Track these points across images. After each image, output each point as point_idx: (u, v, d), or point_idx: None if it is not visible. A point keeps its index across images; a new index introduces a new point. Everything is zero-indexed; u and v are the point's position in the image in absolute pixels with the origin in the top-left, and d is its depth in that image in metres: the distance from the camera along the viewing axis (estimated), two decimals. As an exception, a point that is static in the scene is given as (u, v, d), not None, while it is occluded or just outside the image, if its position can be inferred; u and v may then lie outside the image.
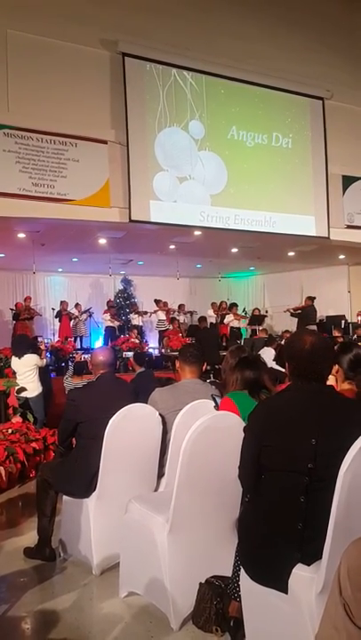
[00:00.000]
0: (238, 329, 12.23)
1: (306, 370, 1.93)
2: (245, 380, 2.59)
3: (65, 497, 2.93)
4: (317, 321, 11.76)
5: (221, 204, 8.32)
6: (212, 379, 5.58)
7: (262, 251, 10.92)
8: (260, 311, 12.82)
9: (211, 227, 8.31)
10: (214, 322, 12.95)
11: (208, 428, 2.31)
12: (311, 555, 1.77)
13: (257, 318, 12.12)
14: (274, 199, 8.62)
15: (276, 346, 8.96)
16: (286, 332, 10.37)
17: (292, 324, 13.21)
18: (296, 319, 12.37)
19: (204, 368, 3.13)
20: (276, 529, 1.82)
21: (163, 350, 10.74)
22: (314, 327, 11.27)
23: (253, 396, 2.56)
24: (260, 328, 12.03)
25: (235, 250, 10.97)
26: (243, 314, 12.35)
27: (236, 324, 12.18)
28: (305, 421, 1.85)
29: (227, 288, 16.06)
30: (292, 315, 12.35)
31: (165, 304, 13.44)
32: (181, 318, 13.61)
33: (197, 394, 2.92)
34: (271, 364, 8.43)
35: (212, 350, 8.58)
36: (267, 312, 15.20)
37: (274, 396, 2.12)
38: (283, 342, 9.97)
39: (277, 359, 8.17)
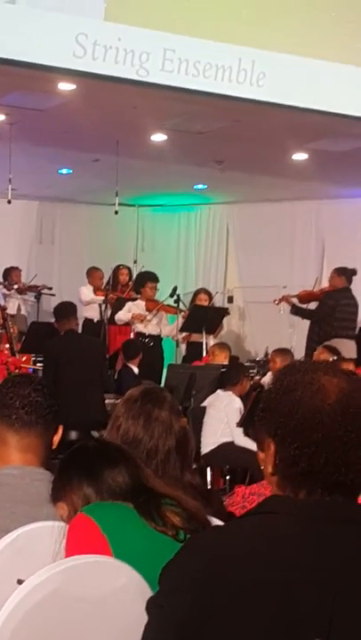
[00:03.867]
0: (156, 338, 12.59)
1: (320, 462, 1.98)
2: (109, 489, 2.76)
3: None
4: (358, 329, 12.38)
5: (132, 19, 8.37)
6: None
7: (230, 143, 11.18)
8: (211, 297, 13.29)
9: (103, 74, 8.35)
10: (98, 318, 13.10)
11: (56, 599, 2.42)
12: None
13: (204, 314, 12.40)
14: (268, 17, 8.85)
15: (249, 389, 9.18)
16: (279, 352, 10.72)
17: (293, 337, 13.66)
18: (305, 321, 12.75)
19: (56, 439, 3.24)
20: None
21: None
22: (350, 345, 11.89)
23: (147, 514, 2.69)
24: (213, 340, 12.33)
25: (159, 137, 11.23)
26: (170, 302, 12.59)
27: (151, 325, 12.59)
28: (303, 593, 1.90)
29: (135, 234, 16.50)
30: (293, 311, 12.82)
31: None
32: (13, 305, 13.62)
33: (35, 505, 3.04)
34: (237, 436, 8.89)
35: (83, 392, 8.68)
36: (231, 300, 15.82)
37: (225, 527, 2.15)
38: (266, 382, 10.35)
39: (252, 424, 8.46)
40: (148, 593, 2.29)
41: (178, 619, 1.95)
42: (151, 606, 2.02)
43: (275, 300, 13.12)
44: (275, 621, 1.89)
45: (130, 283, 13.64)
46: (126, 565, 2.49)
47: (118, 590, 2.45)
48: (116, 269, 13.77)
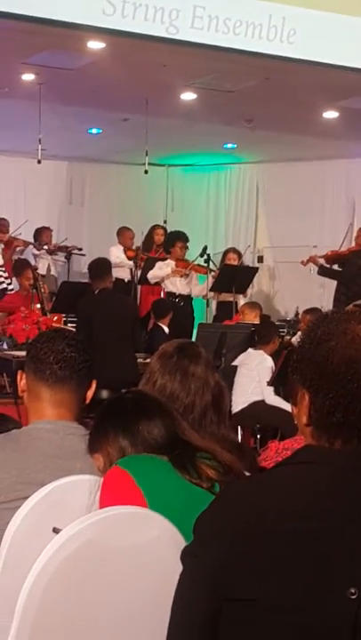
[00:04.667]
0: (187, 298, 12.58)
1: (355, 412, 1.99)
2: (145, 442, 2.76)
3: None
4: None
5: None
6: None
7: (260, 102, 11.13)
8: (240, 257, 13.22)
9: (132, 32, 8.32)
10: (129, 278, 13.10)
11: (90, 549, 2.43)
12: None
13: (235, 273, 12.41)
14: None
15: (279, 348, 9.19)
16: (310, 312, 10.73)
17: (323, 297, 13.63)
18: (332, 282, 12.73)
19: (89, 394, 3.25)
20: None
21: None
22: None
23: (182, 466, 2.70)
24: (244, 300, 12.32)
25: (188, 96, 11.16)
26: (201, 262, 12.55)
27: (181, 285, 12.58)
28: (337, 543, 1.91)
29: (164, 193, 16.47)
30: (321, 271, 12.80)
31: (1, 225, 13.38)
32: (43, 265, 13.67)
33: (68, 459, 3.06)
34: (268, 395, 8.91)
35: (116, 350, 8.70)
36: (261, 260, 15.78)
37: (259, 477, 2.18)
38: (297, 340, 10.34)
39: (283, 383, 8.48)
40: (182, 544, 2.30)
41: (212, 568, 1.96)
42: (186, 556, 2.04)
43: (302, 261, 13.08)
44: (309, 571, 1.89)
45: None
46: (160, 516, 2.49)
47: (152, 541, 2.46)
48: (152, 229, 13.73)
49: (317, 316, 2.22)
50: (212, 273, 12.34)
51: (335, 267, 12.78)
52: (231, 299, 12.07)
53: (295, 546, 1.92)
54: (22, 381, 3.24)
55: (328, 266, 12.75)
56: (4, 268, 12.39)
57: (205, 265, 12.42)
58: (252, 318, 10.57)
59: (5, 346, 9.41)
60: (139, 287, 13.13)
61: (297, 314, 12.73)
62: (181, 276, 12.36)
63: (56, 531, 2.52)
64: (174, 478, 2.65)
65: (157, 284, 12.62)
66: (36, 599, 2.38)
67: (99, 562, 2.44)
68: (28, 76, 10.38)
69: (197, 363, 3.23)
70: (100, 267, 9.51)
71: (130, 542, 2.47)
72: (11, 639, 2.42)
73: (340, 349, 2.01)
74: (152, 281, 12.53)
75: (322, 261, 12.77)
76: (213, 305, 12.84)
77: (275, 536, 1.94)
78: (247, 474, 2.85)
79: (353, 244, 13.07)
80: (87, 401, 3.24)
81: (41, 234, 14.01)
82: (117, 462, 2.70)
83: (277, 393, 8.60)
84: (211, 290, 12.35)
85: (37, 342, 3.24)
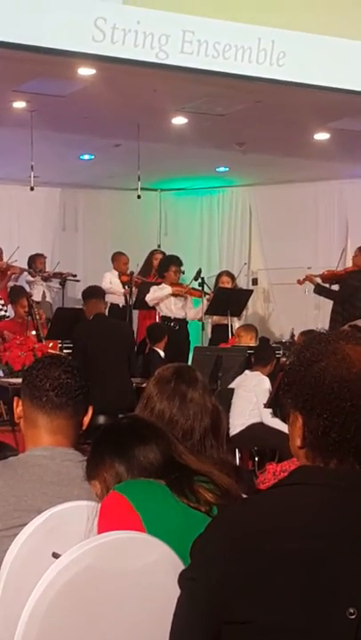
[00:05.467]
0: (182, 321, 12.61)
1: (350, 430, 2.00)
2: (141, 466, 2.75)
3: None
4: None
5: (150, 2, 8.37)
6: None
7: (251, 125, 11.18)
8: (233, 280, 13.27)
9: (122, 57, 8.35)
10: (123, 303, 13.11)
11: (89, 575, 2.43)
12: None
13: (229, 296, 12.43)
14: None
15: (275, 370, 9.19)
16: (305, 334, 10.72)
17: (318, 318, 13.64)
18: (330, 303, 12.75)
19: (86, 420, 3.25)
20: None
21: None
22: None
23: (179, 490, 2.69)
24: (239, 322, 12.33)
25: (179, 120, 11.20)
26: (195, 285, 12.57)
27: (176, 309, 12.62)
28: (335, 563, 1.91)
29: (157, 218, 16.50)
30: (317, 290, 12.83)
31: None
32: (38, 292, 13.68)
33: (65, 486, 3.05)
34: (266, 416, 8.91)
35: (112, 375, 8.69)
36: (255, 282, 15.82)
37: (254, 499, 2.15)
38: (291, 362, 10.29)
39: (280, 405, 8.47)
40: (180, 568, 2.29)
41: (210, 591, 1.96)
42: (183, 580, 2.04)
43: (299, 280, 13.11)
44: (308, 591, 1.89)
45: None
46: (158, 540, 2.50)
47: (151, 565, 2.46)
48: (151, 254, 13.78)
49: (306, 338, 2.22)
50: (207, 296, 12.35)
51: (331, 287, 12.80)
52: (226, 321, 12.07)
53: (293, 566, 1.92)
54: (19, 408, 3.24)
55: (325, 285, 12.77)
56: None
57: (200, 288, 12.42)
58: (248, 341, 10.57)
59: (1, 373, 9.42)
60: (135, 312, 13.14)
61: (292, 335, 12.72)
62: (181, 296, 12.37)
63: (55, 555, 2.51)
64: (172, 502, 2.65)
65: (153, 307, 12.61)
66: (35, 625, 2.38)
67: (98, 587, 2.44)
68: (20, 104, 10.41)
69: (195, 387, 3.23)
70: (93, 293, 9.53)
71: (128, 567, 2.47)
72: None
73: (331, 369, 2.02)
74: (151, 303, 12.51)
75: (318, 280, 12.80)
76: (209, 328, 12.84)
77: (272, 557, 1.93)
78: (245, 497, 2.85)
79: (348, 264, 13.10)
80: (84, 427, 3.23)
81: (35, 260, 14.03)
82: (115, 487, 2.69)
83: (275, 414, 8.59)
84: (206, 313, 12.34)
85: (33, 369, 3.23)
